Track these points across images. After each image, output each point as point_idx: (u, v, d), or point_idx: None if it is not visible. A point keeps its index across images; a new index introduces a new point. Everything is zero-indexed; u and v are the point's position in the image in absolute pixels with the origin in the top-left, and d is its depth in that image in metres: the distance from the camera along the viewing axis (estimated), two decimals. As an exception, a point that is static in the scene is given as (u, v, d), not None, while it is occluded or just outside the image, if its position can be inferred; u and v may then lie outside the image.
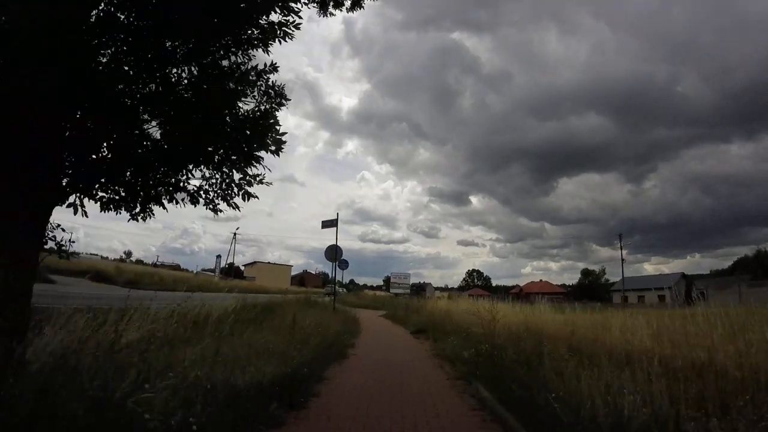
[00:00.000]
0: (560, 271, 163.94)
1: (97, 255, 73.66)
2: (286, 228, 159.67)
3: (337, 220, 19.73)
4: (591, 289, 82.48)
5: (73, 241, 4.55)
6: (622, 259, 54.96)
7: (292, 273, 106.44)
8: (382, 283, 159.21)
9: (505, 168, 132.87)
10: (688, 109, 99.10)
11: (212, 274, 75.89)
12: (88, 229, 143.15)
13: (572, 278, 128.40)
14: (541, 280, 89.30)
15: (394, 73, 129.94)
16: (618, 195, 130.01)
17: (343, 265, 26.71)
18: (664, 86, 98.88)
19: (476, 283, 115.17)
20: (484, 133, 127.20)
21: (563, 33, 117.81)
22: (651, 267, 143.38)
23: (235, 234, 66.17)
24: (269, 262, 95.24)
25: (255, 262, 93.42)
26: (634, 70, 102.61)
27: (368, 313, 24.73)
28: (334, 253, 19.43)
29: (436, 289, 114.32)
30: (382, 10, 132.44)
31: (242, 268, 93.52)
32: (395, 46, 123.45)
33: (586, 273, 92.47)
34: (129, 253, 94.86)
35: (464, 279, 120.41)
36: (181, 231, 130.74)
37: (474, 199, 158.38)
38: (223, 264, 66.81)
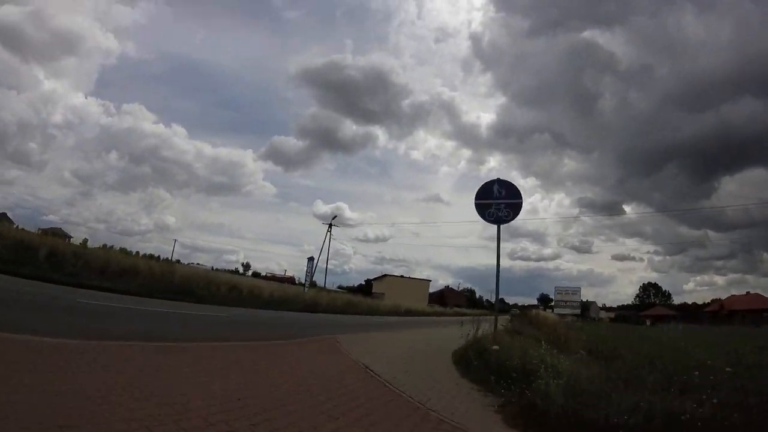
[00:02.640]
0: (727, 285, 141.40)
1: (201, 264, 73.26)
2: (433, 247, 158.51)
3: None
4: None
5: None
6: None
7: (432, 290, 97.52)
8: (537, 303, 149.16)
9: (658, 171, 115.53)
10: None
11: (341, 291, 69.70)
12: (247, 251, 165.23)
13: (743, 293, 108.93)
14: (748, 293, 70.98)
15: (528, 83, 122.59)
16: None
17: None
18: None
19: (653, 300, 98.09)
20: (632, 134, 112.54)
21: (700, 12, 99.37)
22: None
23: (330, 225, 50.72)
24: (401, 276, 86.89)
25: (384, 276, 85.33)
26: None
27: None
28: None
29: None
30: (507, 21, 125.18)
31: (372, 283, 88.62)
32: (526, 55, 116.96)
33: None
34: (247, 265, 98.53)
35: (637, 295, 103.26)
36: (333, 252, 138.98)
37: (627, 208, 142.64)
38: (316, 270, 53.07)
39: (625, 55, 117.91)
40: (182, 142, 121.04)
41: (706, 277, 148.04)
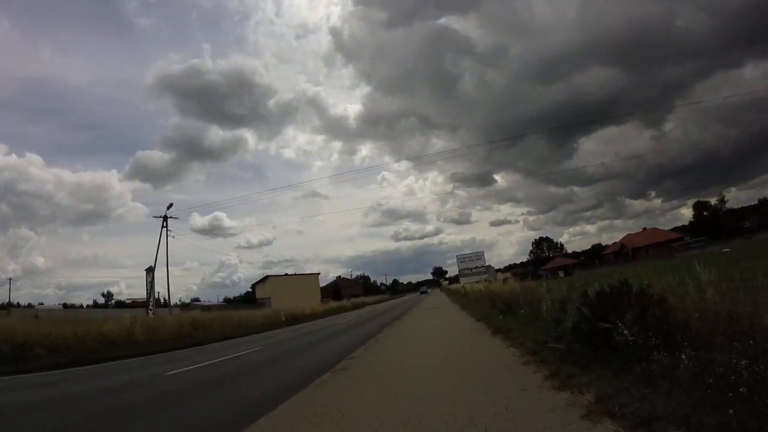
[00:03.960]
0: (598, 232, 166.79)
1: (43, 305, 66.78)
2: (319, 242, 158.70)
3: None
4: (717, 223, 63.21)
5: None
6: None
7: (324, 283, 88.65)
8: (432, 277, 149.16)
9: (522, 140, 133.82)
10: (692, 41, 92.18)
11: (222, 304, 60.30)
12: (129, 280, 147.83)
13: (614, 237, 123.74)
14: (644, 229, 69.57)
15: (390, 71, 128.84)
16: (640, 143, 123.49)
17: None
18: (663, 24, 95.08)
19: (547, 253, 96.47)
20: (493, 110, 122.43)
21: None
22: (688, 211, 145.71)
23: (165, 218, 34.82)
24: (286, 274, 75.12)
25: (266, 278, 73.24)
26: (628, 15, 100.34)
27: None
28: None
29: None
30: (365, 13, 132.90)
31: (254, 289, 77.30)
32: (386, 45, 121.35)
33: (700, 206, 72.21)
34: (109, 294, 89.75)
35: (531, 251, 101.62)
36: (218, 265, 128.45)
37: (497, 177, 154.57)
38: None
39: (480, 38, 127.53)
40: (40, 172, 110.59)
41: (578, 228, 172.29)
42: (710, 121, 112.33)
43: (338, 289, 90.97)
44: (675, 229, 70.13)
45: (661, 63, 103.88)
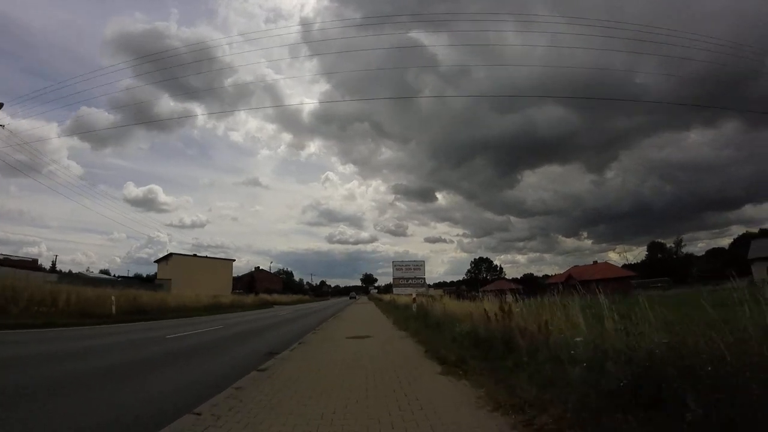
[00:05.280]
0: (528, 263, 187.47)
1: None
2: (253, 232, 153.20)
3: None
4: (667, 266, 60.09)
5: None
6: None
7: (238, 273, 77.68)
8: (361, 284, 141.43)
9: (468, 163, 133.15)
10: (647, 98, 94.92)
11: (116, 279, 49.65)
12: (51, 242, 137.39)
13: (541, 270, 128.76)
14: (595, 262, 65.12)
15: (353, 73, 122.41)
16: (581, 185, 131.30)
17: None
18: (622, 77, 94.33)
19: (485, 275, 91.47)
20: (446, 129, 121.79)
21: (519, 26, 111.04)
22: (616, 255, 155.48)
23: None
24: (195, 255, 63.77)
25: (170, 255, 62.00)
26: (592, 62, 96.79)
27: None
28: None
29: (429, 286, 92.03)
30: (340, 11, 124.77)
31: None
32: (353, 46, 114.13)
33: (655, 247, 69.03)
34: None
35: (469, 270, 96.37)
36: (146, 240, 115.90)
37: (439, 195, 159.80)
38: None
39: (446, 57, 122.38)
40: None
41: (509, 256, 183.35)
42: (650, 176, 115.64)
43: (254, 281, 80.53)
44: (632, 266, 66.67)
45: (613, 113, 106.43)
